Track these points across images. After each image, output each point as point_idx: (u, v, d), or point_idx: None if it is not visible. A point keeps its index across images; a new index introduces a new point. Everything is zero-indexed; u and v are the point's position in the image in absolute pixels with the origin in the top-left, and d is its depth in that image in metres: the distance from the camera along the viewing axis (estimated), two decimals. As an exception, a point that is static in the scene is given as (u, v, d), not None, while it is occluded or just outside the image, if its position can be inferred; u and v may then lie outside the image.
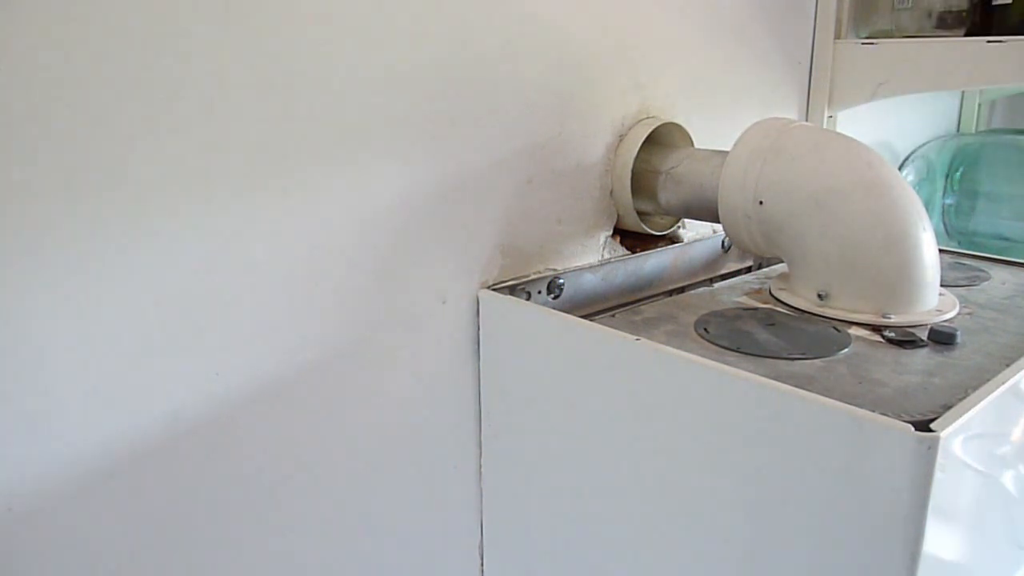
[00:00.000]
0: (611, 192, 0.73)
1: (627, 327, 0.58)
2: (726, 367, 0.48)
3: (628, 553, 0.58)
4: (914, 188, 1.13)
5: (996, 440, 0.49)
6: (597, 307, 0.72)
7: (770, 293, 0.66)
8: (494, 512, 0.69)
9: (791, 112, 0.93)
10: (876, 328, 0.57)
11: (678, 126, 0.75)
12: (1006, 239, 1.11)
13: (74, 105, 0.42)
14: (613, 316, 0.65)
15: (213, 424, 0.51)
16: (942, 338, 0.55)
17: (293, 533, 0.57)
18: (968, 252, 0.81)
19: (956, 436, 0.41)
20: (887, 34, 0.91)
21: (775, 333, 0.57)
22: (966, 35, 0.86)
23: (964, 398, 0.45)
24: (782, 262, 0.66)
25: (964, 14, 0.86)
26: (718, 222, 0.67)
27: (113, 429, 0.47)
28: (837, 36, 0.93)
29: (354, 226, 0.55)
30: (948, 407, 0.44)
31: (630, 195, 0.72)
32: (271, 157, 0.50)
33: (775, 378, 0.47)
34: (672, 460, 0.52)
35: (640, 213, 0.74)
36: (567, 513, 0.62)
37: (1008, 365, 0.50)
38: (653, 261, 0.77)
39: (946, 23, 0.87)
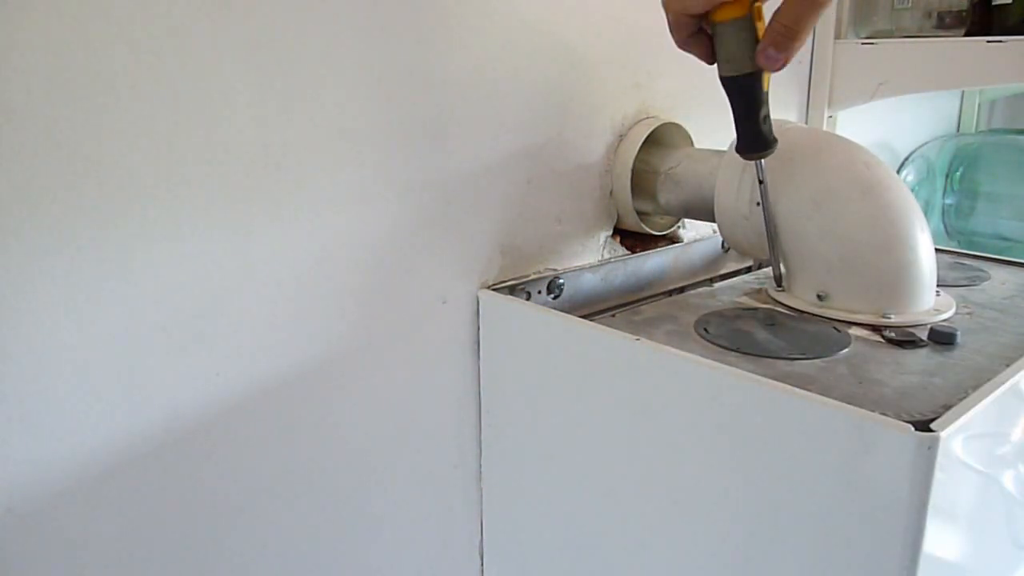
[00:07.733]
0: (611, 192, 0.73)
1: (627, 327, 0.58)
2: (726, 367, 0.48)
3: (628, 553, 0.58)
4: (914, 188, 1.14)
5: (996, 440, 0.49)
6: (597, 307, 0.72)
7: (768, 295, 0.66)
8: (494, 512, 0.69)
9: (791, 112, 0.93)
10: (876, 328, 0.57)
11: (678, 126, 0.75)
12: (1006, 239, 1.11)
13: (75, 106, 0.42)
14: (613, 316, 0.65)
15: (213, 424, 0.51)
16: (942, 338, 0.55)
17: (292, 533, 0.57)
18: (968, 252, 0.81)
19: (956, 436, 0.41)
20: (887, 34, 0.91)
21: (775, 333, 0.57)
22: (966, 35, 0.86)
23: (964, 398, 0.45)
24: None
25: (964, 14, 0.86)
26: (718, 222, 0.67)
27: (113, 429, 0.47)
28: (837, 36, 0.93)
29: (354, 226, 0.55)
30: (948, 407, 0.44)
31: (630, 195, 0.72)
32: (271, 158, 0.50)
33: (775, 378, 0.46)
34: (672, 460, 0.52)
35: (640, 213, 0.74)
36: (567, 513, 0.62)
37: (1008, 365, 0.50)
38: (653, 261, 0.77)
39: (946, 23, 0.87)
